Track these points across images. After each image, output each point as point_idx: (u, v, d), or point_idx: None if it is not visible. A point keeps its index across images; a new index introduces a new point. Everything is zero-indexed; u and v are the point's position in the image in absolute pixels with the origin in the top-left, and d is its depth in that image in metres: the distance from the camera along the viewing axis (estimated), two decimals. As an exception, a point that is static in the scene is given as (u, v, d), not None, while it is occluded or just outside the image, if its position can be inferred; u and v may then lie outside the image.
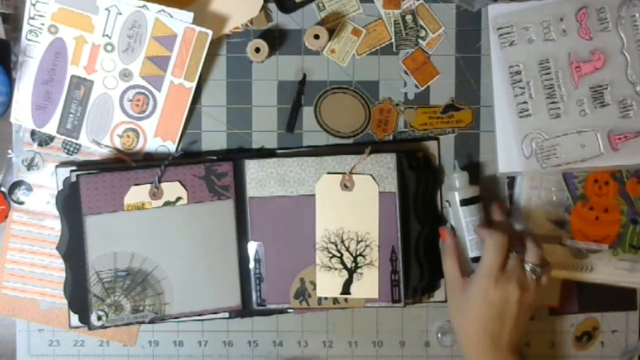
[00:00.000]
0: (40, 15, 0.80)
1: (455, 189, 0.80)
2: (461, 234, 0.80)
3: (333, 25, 0.83)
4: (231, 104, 0.84)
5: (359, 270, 0.81)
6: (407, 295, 0.81)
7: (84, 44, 0.80)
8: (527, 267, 0.75)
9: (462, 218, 0.79)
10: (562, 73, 0.81)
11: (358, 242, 0.81)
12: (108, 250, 0.79)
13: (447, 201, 0.81)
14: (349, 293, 0.81)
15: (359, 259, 0.81)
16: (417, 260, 0.81)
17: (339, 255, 0.81)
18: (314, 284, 0.81)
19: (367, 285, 0.81)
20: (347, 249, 0.81)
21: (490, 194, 0.83)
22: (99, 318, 0.79)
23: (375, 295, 0.81)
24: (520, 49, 0.81)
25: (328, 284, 0.81)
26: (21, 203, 0.83)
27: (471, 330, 0.75)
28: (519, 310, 0.74)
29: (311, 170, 0.81)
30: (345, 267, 0.81)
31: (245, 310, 0.82)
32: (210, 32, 0.80)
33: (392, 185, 0.80)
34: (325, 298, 0.81)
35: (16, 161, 0.83)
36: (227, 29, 0.82)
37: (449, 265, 0.78)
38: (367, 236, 0.81)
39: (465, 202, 0.79)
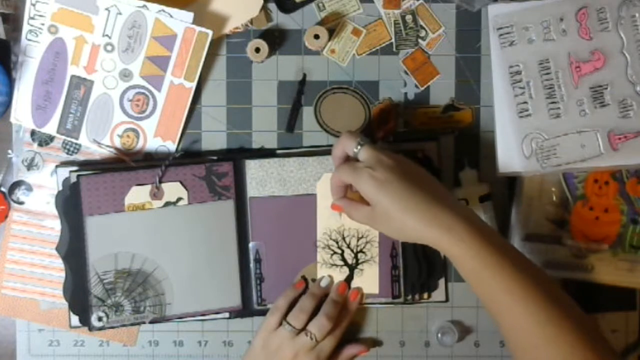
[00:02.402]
0: (40, 15, 0.79)
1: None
2: None
3: (333, 25, 0.83)
4: (231, 104, 0.84)
5: (359, 267, 0.81)
6: (406, 291, 0.81)
7: (84, 44, 0.80)
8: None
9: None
10: (562, 73, 0.81)
11: (359, 238, 0.81)
12: (109, 251, 0.79)
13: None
14: (349, 289, 0.82)
15: (360, 255, 0.81)
16: (415, 257, 0.81)
17: (340, 252, 0.81)
18: (314, 281, 0.81)
19: (368, 281, 0.81)
20: (348, 246, 0.81)
21: (490, 194, 0.83)
22: (100, 319, 0.79)
23: (376, 291, 0.81)
24: (520, 49, 0.81)
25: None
26: (21, 203, 0.83)
27: None
28: None
29: (311, 170, 0.81)
30: (346, 263, 0.81)
31: (245, 310, 0.82)
32: (210, 32, 0.80)
33: (392, 185, 0.80)
34: (326, 295, 0.82)
35: (16, 161, 0.83)
36: (227, 29, 0.82)
37: None
38: (368, 233, 0.81)
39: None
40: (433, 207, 0.68)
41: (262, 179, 0.81)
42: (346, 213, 0.76)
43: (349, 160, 0.74)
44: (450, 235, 0.67)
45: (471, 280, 0.69)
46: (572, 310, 0.67)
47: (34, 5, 0.79)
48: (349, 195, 0.76)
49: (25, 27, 0.80)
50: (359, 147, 0.72)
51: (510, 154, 0.82)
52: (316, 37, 0.81)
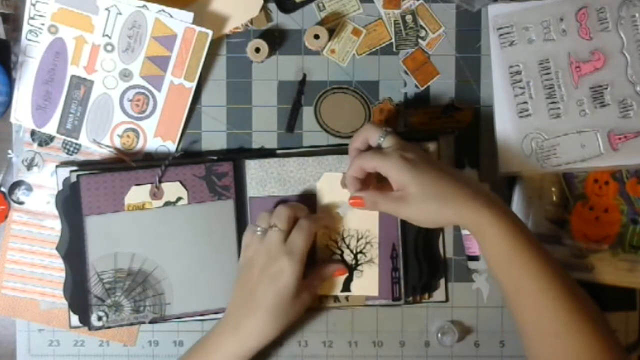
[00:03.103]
0: (40, 15, 0.79)
1: None
2: None
3: (333, 25, 0.83)
4: (231, 104, 0.84)
5: (359, 268, 0.81)
6: (407, 293, 0.81)
7: (84, 44, 0.80)
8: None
9: None
10: (562, 73, 0.81)
11: (358, 239, 0.81)
12: (108, 251, 0.79)
13: None
14: (349, 290, 0.81)
15: (360, 256, 0.81)
16: (416, 258, 0.81)
17: (339, 252, 0.81)
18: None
19: (367, 282, 0.81)
20: (348, 247, 0.81)
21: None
22: (99, 318, 0.79)
23: (375, 293, 0.81)
24: (520, 49, 0.81)
25: (328, 281, 0.81)
26: (21, 203, 0.83)
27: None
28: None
29: (311, 170, 0.81)
30: (345, 264, 0.81)
31: (245, 310, 0.82)
32: (210, 32, 0.80)
33: (392, 185, 0.80)
34: (326, 296, 0.81)
35: (16, 161, 0.83)
36: (227, 29, 0.82)
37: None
38: (368, 233, 0.81)
39: None
40: (467, 187, 0.69)
41: (262, 179, 0.81)
42: (369, 204, 0.73)
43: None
44: (490, 214, 0.67)
45: (498, 263, 0.69)
46: (589, 303, 0.68)
47: (34, 5, 0.79)
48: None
49: (25, 27, 0.80)
50: (385, 134, 0.72)
51: (510, 154, 0.82)
52: (316, 37, 0.81)
